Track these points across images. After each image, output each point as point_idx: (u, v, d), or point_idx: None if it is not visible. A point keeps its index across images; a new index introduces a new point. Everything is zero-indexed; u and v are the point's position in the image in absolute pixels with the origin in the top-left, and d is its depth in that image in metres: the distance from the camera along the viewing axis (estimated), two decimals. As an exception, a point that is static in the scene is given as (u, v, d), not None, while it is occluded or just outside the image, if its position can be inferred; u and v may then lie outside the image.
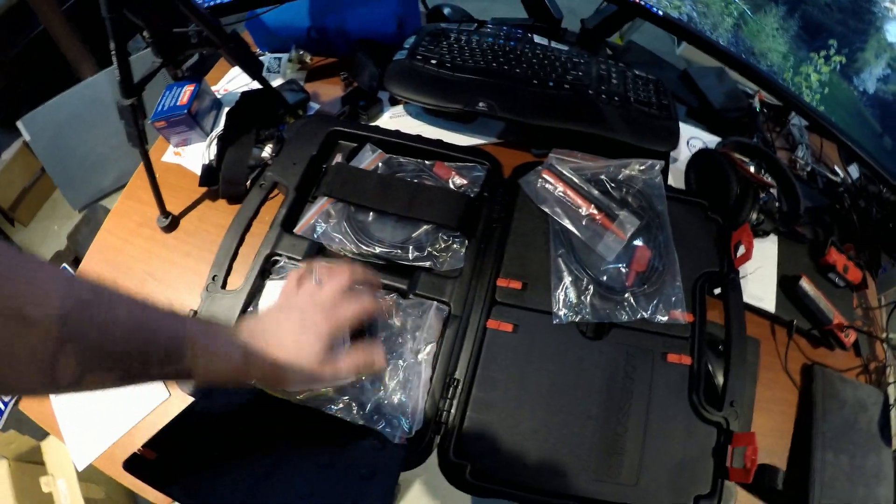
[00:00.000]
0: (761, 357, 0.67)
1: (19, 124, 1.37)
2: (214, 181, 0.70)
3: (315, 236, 0.63)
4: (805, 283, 0.70)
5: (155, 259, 0.70)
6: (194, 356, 0.38)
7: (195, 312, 0.59)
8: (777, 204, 0.77)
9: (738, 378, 0.60)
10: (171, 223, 0.71)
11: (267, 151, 0.72)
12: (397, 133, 0.70)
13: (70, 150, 1.40)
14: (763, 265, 0.74)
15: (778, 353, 0.70)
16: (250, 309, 0.59)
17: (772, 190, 0.77)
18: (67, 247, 1.66)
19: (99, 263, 0.71)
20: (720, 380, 0.60)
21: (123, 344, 0.34)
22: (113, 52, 0.58)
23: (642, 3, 0.79)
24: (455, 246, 0.62)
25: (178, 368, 0.37)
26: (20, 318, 0.28)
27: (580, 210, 0.64)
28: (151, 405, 0.64)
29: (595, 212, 0.64)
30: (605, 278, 0.61)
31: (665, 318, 0.60)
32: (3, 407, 1.02)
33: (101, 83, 1.42)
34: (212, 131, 0.78)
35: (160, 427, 0.44)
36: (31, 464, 1.11)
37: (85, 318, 0.31)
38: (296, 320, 0.46)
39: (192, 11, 0.61)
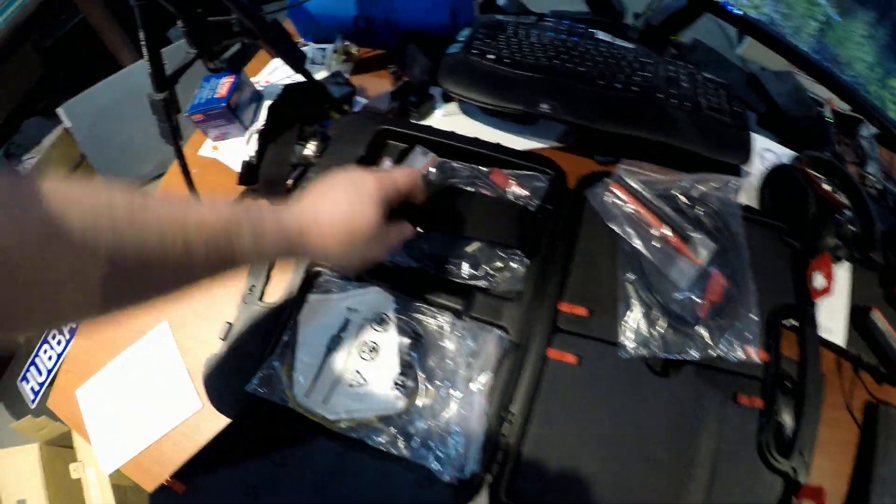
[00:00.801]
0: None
1: (60, 111, 1.35)
2: (254, 180, 0.66)
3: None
4: (876, 316, 0.65)
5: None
6: (240, 236, 0.36)
7: (230, 325, 0.55)
8: (851, 227, 0.71)
9: (810, 425, 0.55)
10: (208, 222, 0.67)
11: (310, 149, 0.67)
12: (452, 135, 0.65)
13: (110, 137, 1.39)
14: (833, 293, 0.68)
15: (841, 389, 0.64)
16: (291, 322, 0.55)
17: (846, 211, 0.71)
18: None
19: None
20: (785, 419, 0.55)
21: (164, 242, 0.32)
22: (143, 43, 0.54)
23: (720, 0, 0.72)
24: (514, 265, 0.57)
25: (227, 254, 0.36)
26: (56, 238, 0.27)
27: (651, 230, 0.59)
28: (183, 415, 0.61)
29: (668, 232, 0.59)
30: (676, 308, 0.56)
31: (739, 356, 0.55)
32: (37, 388, 1.01)
33: (140, 71, 1.36)
34: (252, 125, 0.74)
35: (191, 452, 0.41)
36: (62, 447, 1.10)
37: (124, 228, 0.30)
38: (348, 186, 0.44)
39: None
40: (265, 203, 0.43)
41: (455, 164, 0.64)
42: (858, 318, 0.66)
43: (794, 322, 0.59)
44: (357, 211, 0.43)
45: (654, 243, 0.58)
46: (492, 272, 0.56)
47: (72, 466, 1.04)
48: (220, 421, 0.53)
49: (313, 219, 0.41)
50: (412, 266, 0.57)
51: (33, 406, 1.10)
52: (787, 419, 0.56)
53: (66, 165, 1.79)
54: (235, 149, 0.73)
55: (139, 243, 0.31)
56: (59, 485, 1.04)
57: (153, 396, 0.63)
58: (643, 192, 0.61)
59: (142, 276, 0.32)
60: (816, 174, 0.75)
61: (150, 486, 0.50)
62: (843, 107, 0.87)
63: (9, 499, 1.04)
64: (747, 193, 0.72)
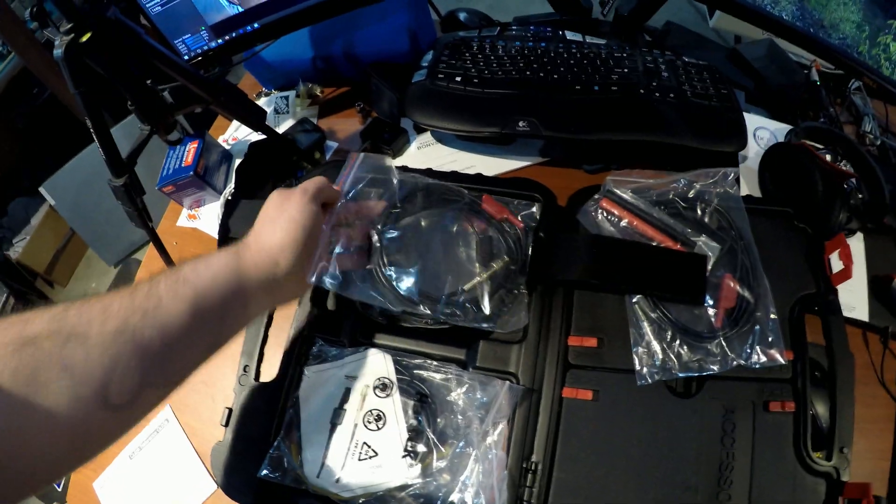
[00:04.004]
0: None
1: (42, 190, 1.37)
2: (234, 247, 0.63)
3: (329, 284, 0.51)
4: None
5: (181, 339, 0.64)
6: (184, 282, 0.39)
7: (230, 410, 0.53)
8: (859, 195, 0.68)
9: (847, 419, 0.52)
10: (194, 298, 0.64)
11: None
12: (428, 172, 0.61)
13: (95, 208, 1.39)
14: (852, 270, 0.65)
15: (873, 365, 0.61)
16: (290, 402, 0.52)
17: (852, 180, 0.67)
18: None
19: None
20: (820, 410, 0.53)
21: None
22: (91, 129, 0.51)
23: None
24: (515, 302, 0.54)
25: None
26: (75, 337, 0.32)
27: (652, 243, 0.56)
28: (199, 498, 0.60)
29: (670, 242, 0.55)
30: (689, 322, 0.53)
31: (763, 361, 0.51)
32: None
33: (116, 139, 1.38)
34: (225, 188, 0.71)
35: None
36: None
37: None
38: (273, 204, 0.46)
39: (171, 68, 0.54)
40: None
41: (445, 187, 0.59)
42: (880, 288, 0.63)
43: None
44: (282, 217, 0.45)
45: (656, 256, 0.55)
46: (492, 312, 0.53)
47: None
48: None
49: (253, 235, 0.45)
50: (404, 315, 0.54)
51: (59, 490, 1.09)
52: (822, 412, 0.53)
53: (57, 242, 1.80)
54: (213, 214, 0.70)
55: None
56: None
57: (167, 482, 0.62)
58: (636, 203, 0.57)
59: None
60: (816, 146, 0.71)
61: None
62: (829, 65, 0.83)
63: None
64: (747, 180, 0.69)
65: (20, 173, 1.84)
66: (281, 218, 0.45)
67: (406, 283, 0.51)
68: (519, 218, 0.57)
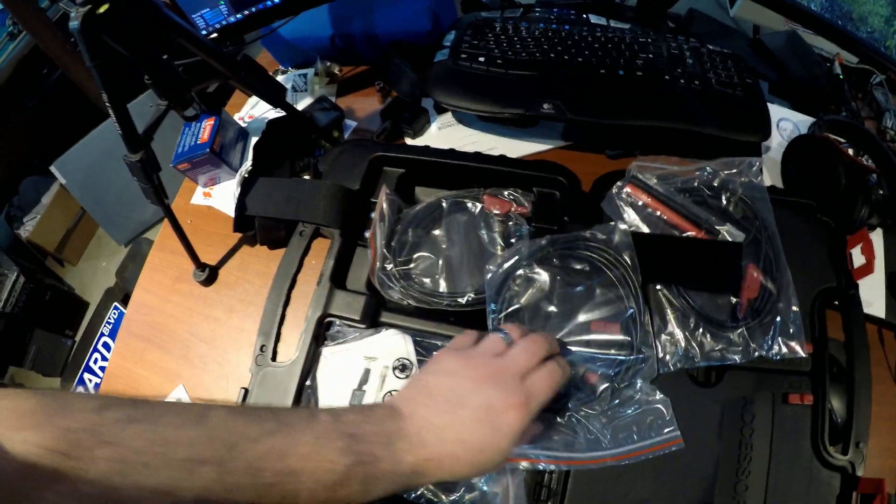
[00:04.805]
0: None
1: (53, 168, 1.37)
2: (250, 226, 0.62)
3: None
4: None
5: (196, 317, 0.64)
6: (349, 485, 0.31)
7: (245, 391, 0.53)
8: (880, 191, 0.67)
9: (864, 416, 0.52)
10: (209, 276, 0.64)
11: (304, 185, 0.63)
12: (451, 153, 0.61)
13: (106, 187, 1.40)
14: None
15: (887, 362, 0.61)
16: (308, 382, 0.52)
17: (872, 175, 0.67)
18: (117, 283, 1.68)
19: (140, 327, 0.65)
20: (837, 406, 0.53)
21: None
22: (108, 104, 0.49)
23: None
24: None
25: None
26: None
27: (675, 231, 0.55)
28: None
29: (695, 230, 0.55)
30: (712, 312, 0.53)
31: (784, 352, 0.51)
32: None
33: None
34: (241, 166, 0.70)
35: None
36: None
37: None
38: (481, 414, 0.35)
39: (192, 42, 0.52)
40: (372, 418, 0.35)
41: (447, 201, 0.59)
42: (896, 285, 0.62)
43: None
44: (488, 450, 0.35)
45: (680, 245, 0.55)
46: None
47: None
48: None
49: (436, 455, 0.34)
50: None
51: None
52: (839, 407, 0.53)
53: (67, 221, 1.79)
54: (228, 192, 0.69)
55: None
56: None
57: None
58: (661, 190, 0.57)
59: None
60: (838, 139, 0.70)
61: None
62: (851, 59, 0.82)
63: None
64: (770, 171, 0.68)
65: (31, 153, 1.82)
66: (491, 437, 0.35)
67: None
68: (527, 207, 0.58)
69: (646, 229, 0.55)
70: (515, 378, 0.37)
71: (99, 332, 1.38)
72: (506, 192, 0.58)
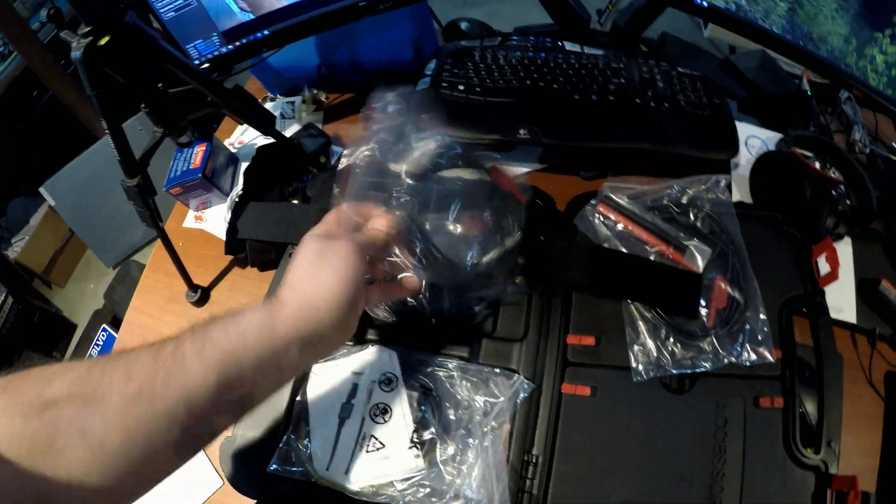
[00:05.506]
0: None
1: (42, 190, 1.37)
2: (241, 248, 0.65)
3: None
4: (886, 287, 0.64)
5: (189, 337, 0.65)
6: (211, 343, 0.36)
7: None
8: (847, 201, 0.70)
9: (835, 414, 0.54)
10: (202, 297, 0.66)
11: (293, 208, 0.66)
12: (433, 176, 0.63)
13: (95, 209, 1.40)
14: (840, 275, 0.67)
15: (861, 365, 0.63)
16: (298, 398, 0.54)
17: (840, 186, 0.70)
18: (105, 305, 1.67)
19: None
20: (809, 407, 0.55)
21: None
22: (106, 131, 0.52)
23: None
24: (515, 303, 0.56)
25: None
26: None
27: (646, 246, 0.58)
28: (205, 494, 0.60)
29: (663, 246, 0.58)
30: (683, 322, 0.55)
31: (753, 359, 0.54)
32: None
33: None
34: (232, 191, 0.73)
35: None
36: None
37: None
38: (312, 252, 0.42)
39: (186, 72, 0.55)
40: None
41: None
42: (867, 291, 0.65)
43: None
44: (325, 257, 0.41)
45: (651, 259, 0.57)
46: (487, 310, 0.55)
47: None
48: (244, 498, 0.53)
49: (288, 290, 0.40)
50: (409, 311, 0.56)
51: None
52: (811, 409, 0.55)
53: (56, 243, 1.79)
54: (219, 216, 0.72)
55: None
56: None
57: (173, 478, 0.62)
58: (631, 208, 0.60)
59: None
60: (805, 153, 0.73)
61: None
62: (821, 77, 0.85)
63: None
64: (739, 186, 0.71)
65: (20, 174, 1.83)
66: (325, 271, 0.40)
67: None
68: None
69: (618, 245, 0.58)
70: (345, 233, 0.44)
71: (87, 355, 1.38)
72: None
